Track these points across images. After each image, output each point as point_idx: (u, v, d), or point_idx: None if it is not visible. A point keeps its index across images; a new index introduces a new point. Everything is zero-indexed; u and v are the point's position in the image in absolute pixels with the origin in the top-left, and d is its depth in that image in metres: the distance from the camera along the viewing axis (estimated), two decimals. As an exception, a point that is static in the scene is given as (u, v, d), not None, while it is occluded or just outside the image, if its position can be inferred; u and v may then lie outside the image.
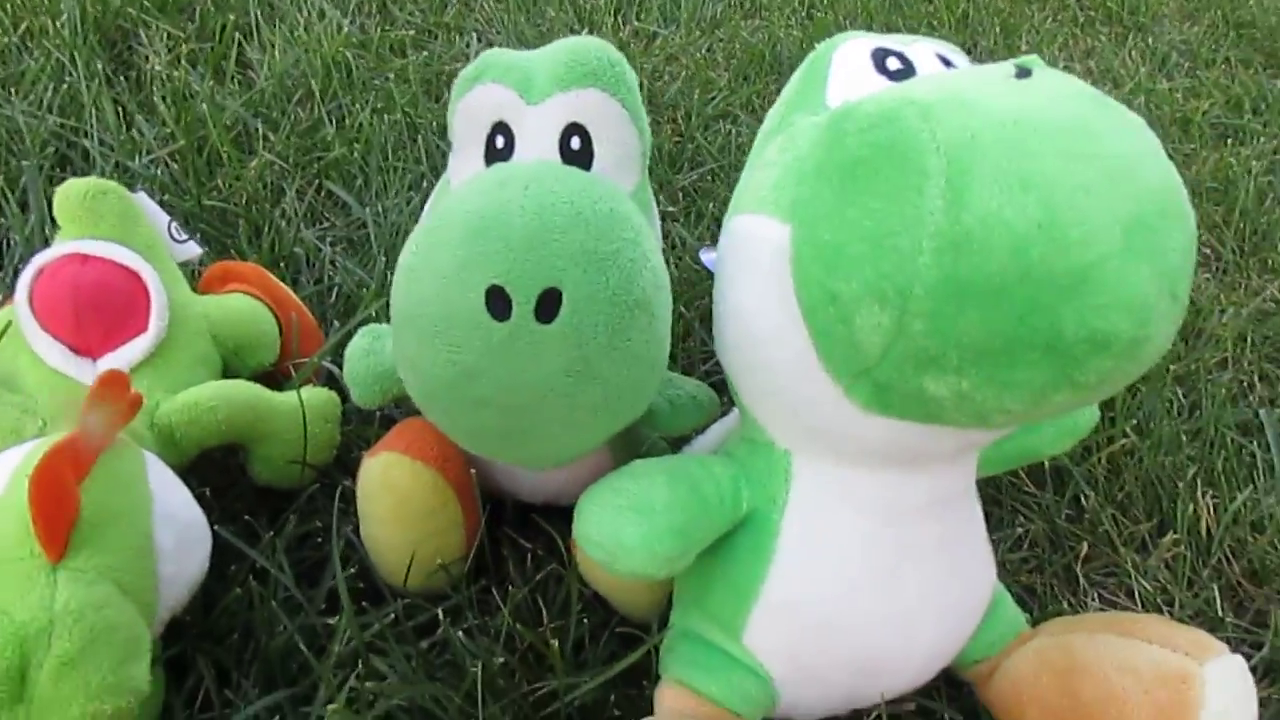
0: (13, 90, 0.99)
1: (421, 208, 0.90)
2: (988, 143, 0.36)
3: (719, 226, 0.88)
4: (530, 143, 0.52)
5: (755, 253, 0.44)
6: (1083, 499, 0.72)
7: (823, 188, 0.40)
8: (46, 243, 0.82)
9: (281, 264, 0.83)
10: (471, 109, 0.54)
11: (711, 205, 0.92)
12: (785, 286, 0.42)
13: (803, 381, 0.43)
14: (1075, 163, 0.35)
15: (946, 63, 0.49)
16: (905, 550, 0.49)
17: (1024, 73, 0.40)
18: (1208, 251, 1.02)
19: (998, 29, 1.34)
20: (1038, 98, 0.37)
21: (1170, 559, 0.70)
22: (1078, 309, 0.35)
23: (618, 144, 0.53)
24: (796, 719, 0.53)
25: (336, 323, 0.77)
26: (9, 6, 1.12)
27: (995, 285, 0.35)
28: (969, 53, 1.31)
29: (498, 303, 0.42)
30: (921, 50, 0.49)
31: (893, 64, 0.48)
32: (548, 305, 0.43)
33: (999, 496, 0.72)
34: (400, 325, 0.46)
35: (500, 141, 0.53)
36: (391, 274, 0.81)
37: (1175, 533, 0.70)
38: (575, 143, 0.52)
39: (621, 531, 0.46)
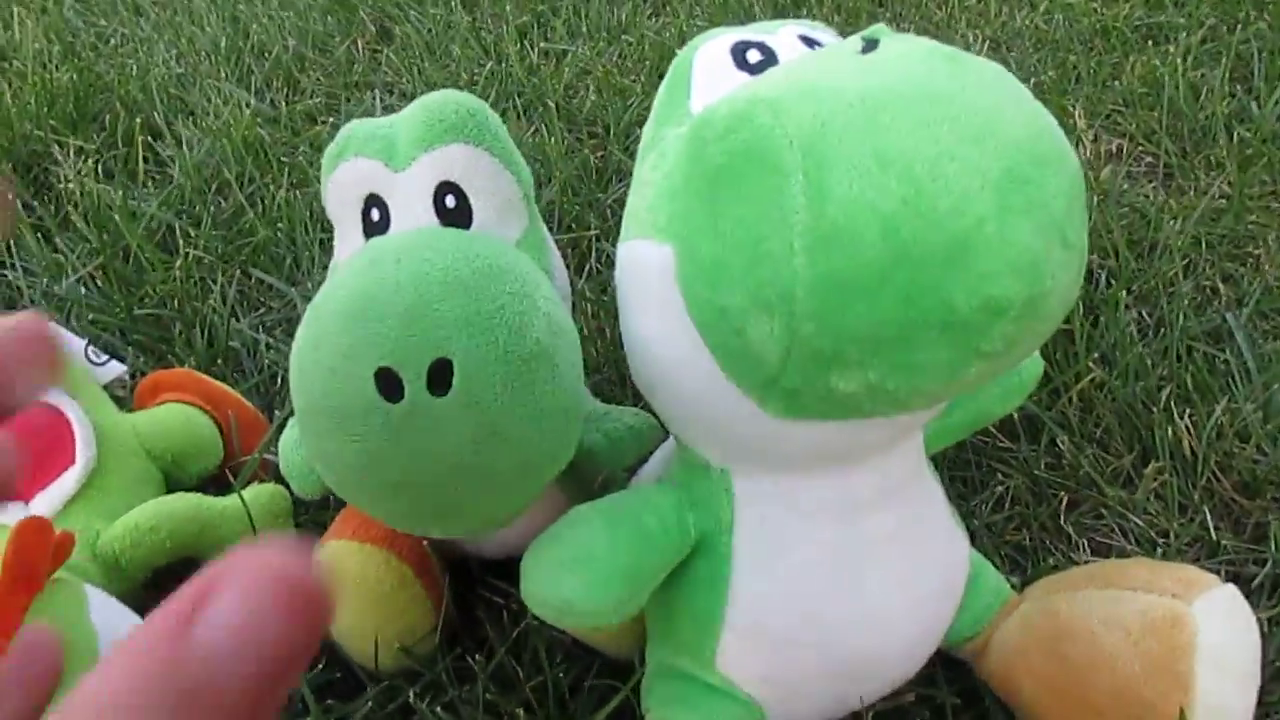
0: (-70, 236, 0.98)
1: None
2: (839, 128, 0.34)
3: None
4: (404, 210, 0.51)
5: (645, 278, 0.43)
6: (1059, 443, 0.70)
7: (692, 201, 0.38)
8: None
9: (220, 360, 0.82)
10: (341, 186, 0.53)
11: (639, 216, 0.90)
12: (678, 307, 0.40)
13: (719, 400, 0.42)
14: (931, 129, 0.34)
15: (811, 43, 0.47)
16: (863, 548, 0.47)
17: (870, 45, 0.38)
18: (1150, 159, 1.00)
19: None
20: (885, 71, 0.36)
21: (1158, 488, 0.68)
22: (964, 280, 0.33)
23: (494, 193, 0.52)
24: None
25: (280, 411, 0.76)
26: (-83, 152, 1.11)
27: (874, 273, 0.34)
28: (881, 9, 1.29)
29: (389, 384, 0.41)
30: (783, 36, 0.47)
31: (753, 57, 0.46)
32: (440, 377, 0.41)
33: (972, 457, 0.70)
34: (302, 421, 0.44)
35: (375, 214, 0.52)
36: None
37: (1158, 460, 0.69)
38: (450, 201, 0.51)
39: (564, 585, 0.44)
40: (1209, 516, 0.65)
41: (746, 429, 0.42)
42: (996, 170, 0.33)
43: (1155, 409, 0.71)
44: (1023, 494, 0.68)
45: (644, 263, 0.42)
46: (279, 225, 0.96)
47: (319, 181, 1.00)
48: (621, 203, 0.95)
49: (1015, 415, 0.72)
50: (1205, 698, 0.46)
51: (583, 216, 0.93)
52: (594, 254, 0.89)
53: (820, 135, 0.34)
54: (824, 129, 0.34)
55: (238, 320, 0.86)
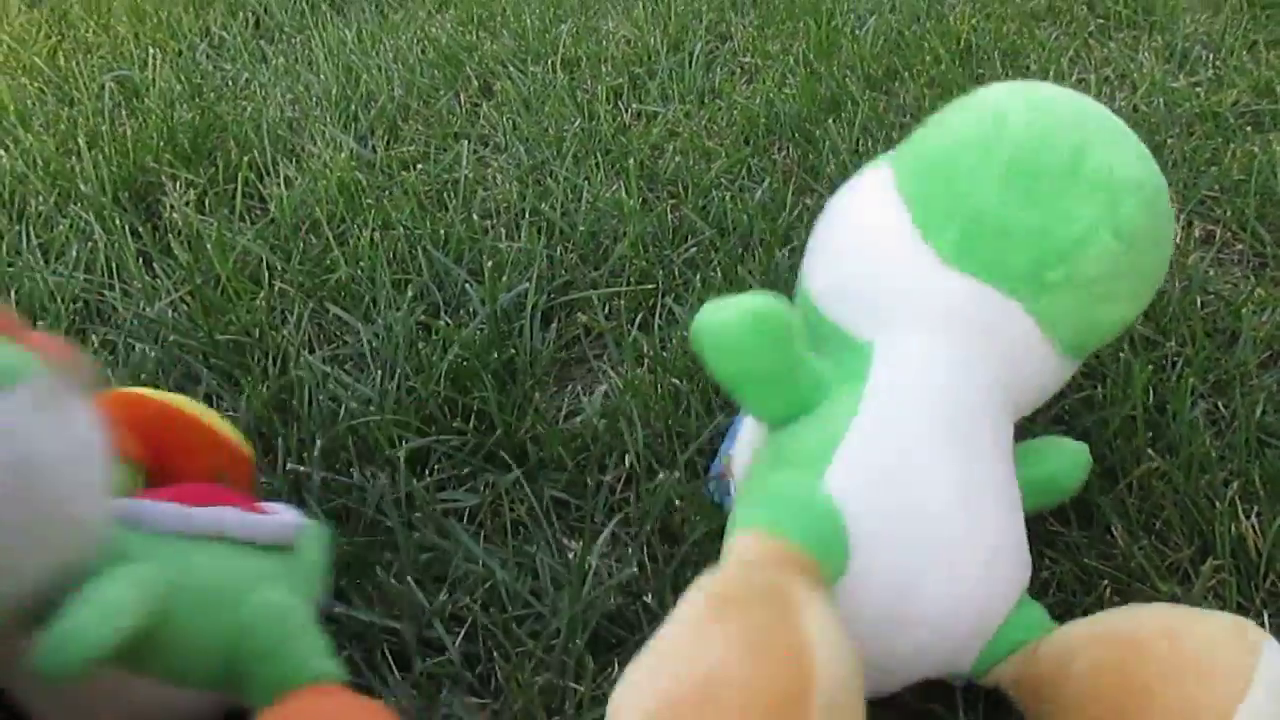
0: (46, 255, 1.05)
1: (429, 318, 0.92)
2: None
3: (715, 295, 0.87)
4: None
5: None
6: (1113, 531, 0.68)
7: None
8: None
9: (285, 392, 0.85)
10: None
11: (699, 276, 0.91)
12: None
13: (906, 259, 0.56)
14: None
15: None
16: (968, 441, 0.54)
17: None
18: (1241, 248, 0.97)
19: (999, 57, 1.32)
20: None
21: (1216, 586, 0.65)
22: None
23: None
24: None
25: (338, 441, 0.78)
26: (45, 175, 1.19)
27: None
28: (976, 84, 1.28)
29: None
30: None
31: None
32: None
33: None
34: None
35: None
36: (390, 387, 0.82)
37: (1218, 558, 0.65)
38: None
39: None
40: (1268, 622, 0.62)
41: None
42: None
43: (1220, 504, 0.68)
44: (1069, 581, 0.65)
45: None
46: (361, 264, 0.99)
47: (403, 225, 1.04)
48: (690, 262, 0.96)
49: (1069, 500, 0.69)
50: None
51: (650, 272, 0.94)
52: (658, 310, 0.90)
53: None
54: None
55: (310, 352, 0.90)
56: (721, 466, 0.72)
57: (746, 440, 0.65)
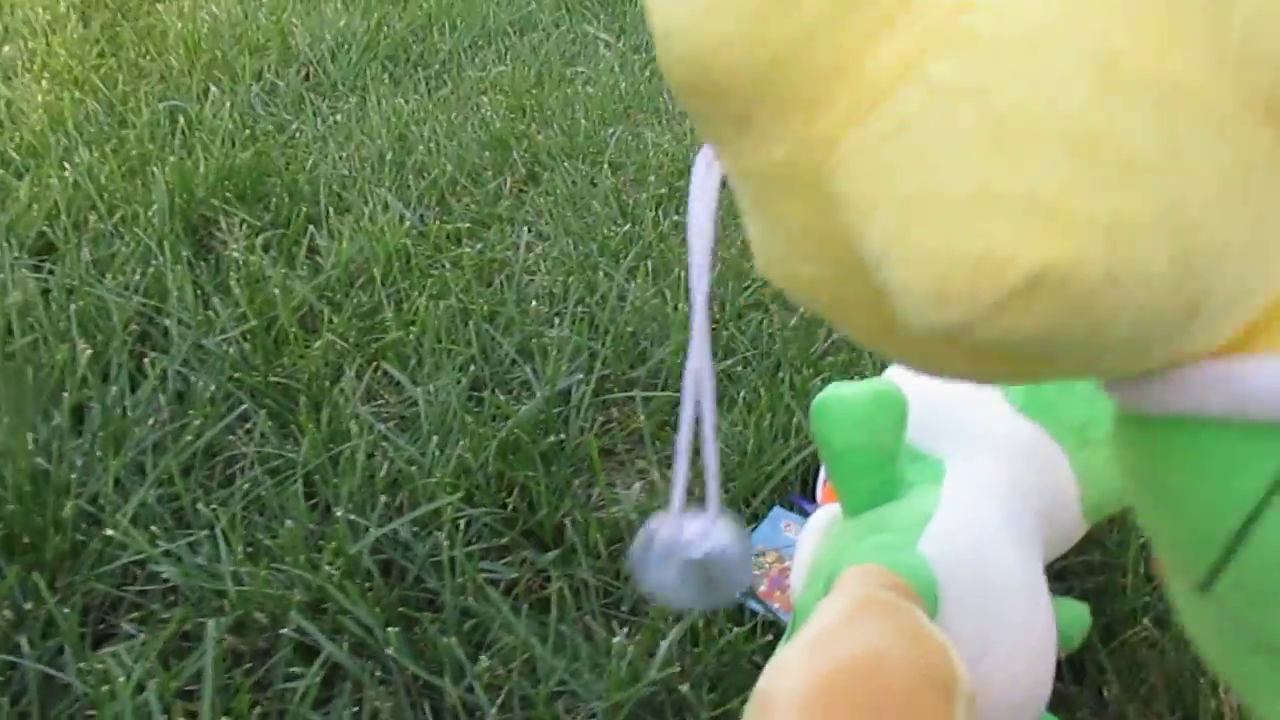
0: (104, 272, 1.08)
1: (470, 389, 0.97)
2: None
3: (749, 410, 0.93)
4: None
5: None
6: (1105, 692, 0.73)
7: None
8: (124, 414, 0.89)
9: (331, 441, 0.88)
10: None
11: (742, 393, 0.97)
12: None
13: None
14: None
15: None
16: (1028, 547, 0.60)
17: None
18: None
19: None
20: None
21: (1195, 755, 0.70)
22: None
23: None
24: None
25: (385, 497, 0.82)
26: (105, 195, 1.23)
27: None
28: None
29: None
30: None
31: None
32: None
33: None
34: None
35: None
36: (441, 452, 0.86)
37: (1197, 728, 0.71)
38: None
39: None
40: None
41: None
42: None
43: (1202, 680, 0.74)
44: (1063, 732, 0.71)
45: None
46: (411, 328, 1.04)
47: (457, 297, 1.09)
48: (729, 375, 1.02)
49: (1066, 658, 0.75)
50: None
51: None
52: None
53: None
54: None
55: (359, 406, 0.94)
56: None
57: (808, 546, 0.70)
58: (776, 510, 0.86)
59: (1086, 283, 0.27)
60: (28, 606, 0.71)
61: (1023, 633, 0.60)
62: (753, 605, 0.77)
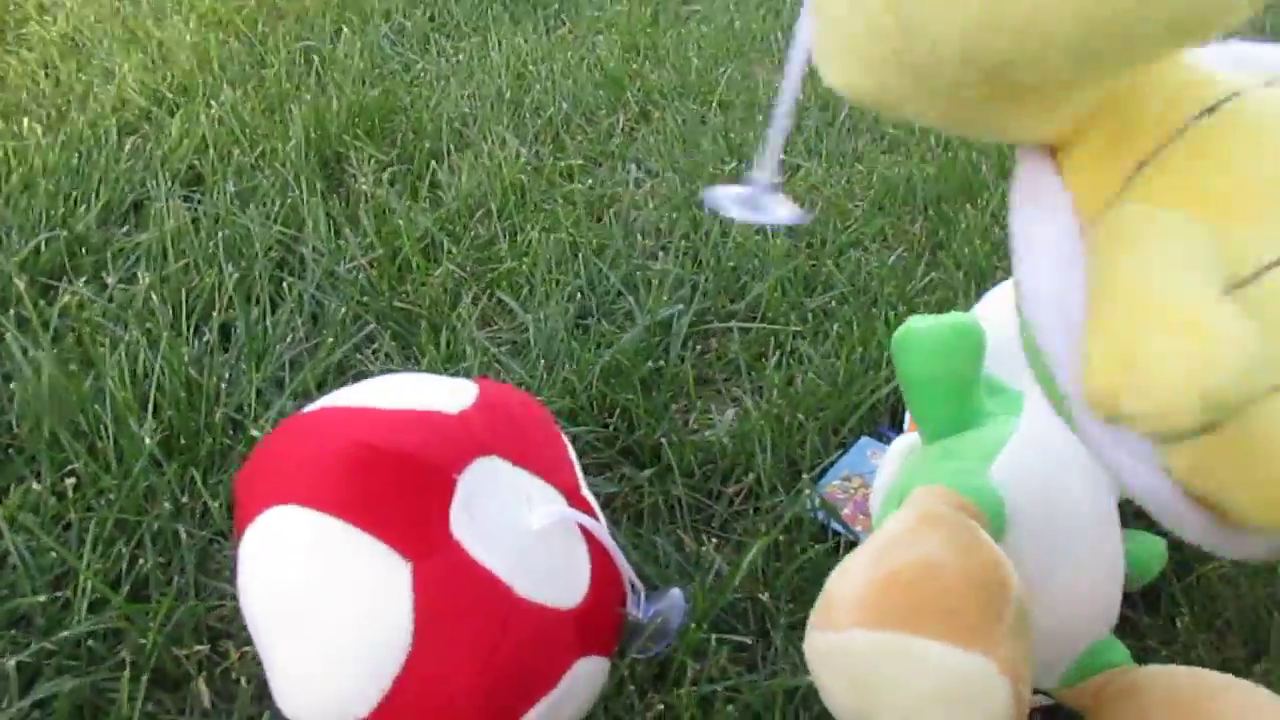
0: (247, 203, 1.18)
1: (577, 317, 1.03)
2: None
3: (842, 343, 0.97)
4: None
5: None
6: (1176, 622, 0.76)
7: None
8: (265, 333, 0.98)
9: (447, 361, 0.96)
10: None
11: (836, 326, 1.00)
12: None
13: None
14: None
15: None
16: (1097, 484, 0.63)
17: None
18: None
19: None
20: None
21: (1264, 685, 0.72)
22: None
23: None
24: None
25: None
26: (248, 130, 1.32)
27: None
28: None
29: None
30: None
31: None
32: None
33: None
34: None
35: None
36: (549, 374, 0.93)
37: (1268, 662, 0.73)
38: None
39: None
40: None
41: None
42: None
43: (1276, 614, 0.76)
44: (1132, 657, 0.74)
45: None
46: (525, 259, 1.10)
47: (568, 231, 1.14)
48: (825, 312, 1.05)
49: (1141, 590, 0.77)
50: None
51: (786, 314, 1.04)
52: (789, 349, 1.00)
53: None
54: None
55: (475, 331, 1.01)
56: (825, 491, 0.82)
57: (887, 470, 0.74)
58: (864, 440, 0.90)
59: None
60: (184, 500, 0.81)
61: (1088, 561, 0.63)
62: (835, 527, 0.81)
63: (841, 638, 0.49)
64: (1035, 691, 0.67)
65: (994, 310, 0.74)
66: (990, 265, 1.12)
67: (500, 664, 0.55)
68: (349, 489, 0.55)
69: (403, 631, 0.54)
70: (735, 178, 1.29)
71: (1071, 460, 0.64)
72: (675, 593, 0.70)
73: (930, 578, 0.49)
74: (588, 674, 0.60)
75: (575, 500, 0.65)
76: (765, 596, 0.74)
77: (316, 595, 0.54)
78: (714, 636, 0.69)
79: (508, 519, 0.59)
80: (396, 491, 0.56)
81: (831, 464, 0.87)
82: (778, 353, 0.98)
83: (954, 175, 1.32)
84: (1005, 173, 1.37)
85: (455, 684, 0.54)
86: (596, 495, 0.84)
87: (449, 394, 0.64)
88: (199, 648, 0.70)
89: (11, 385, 0.88)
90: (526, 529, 0.60)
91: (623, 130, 1.44)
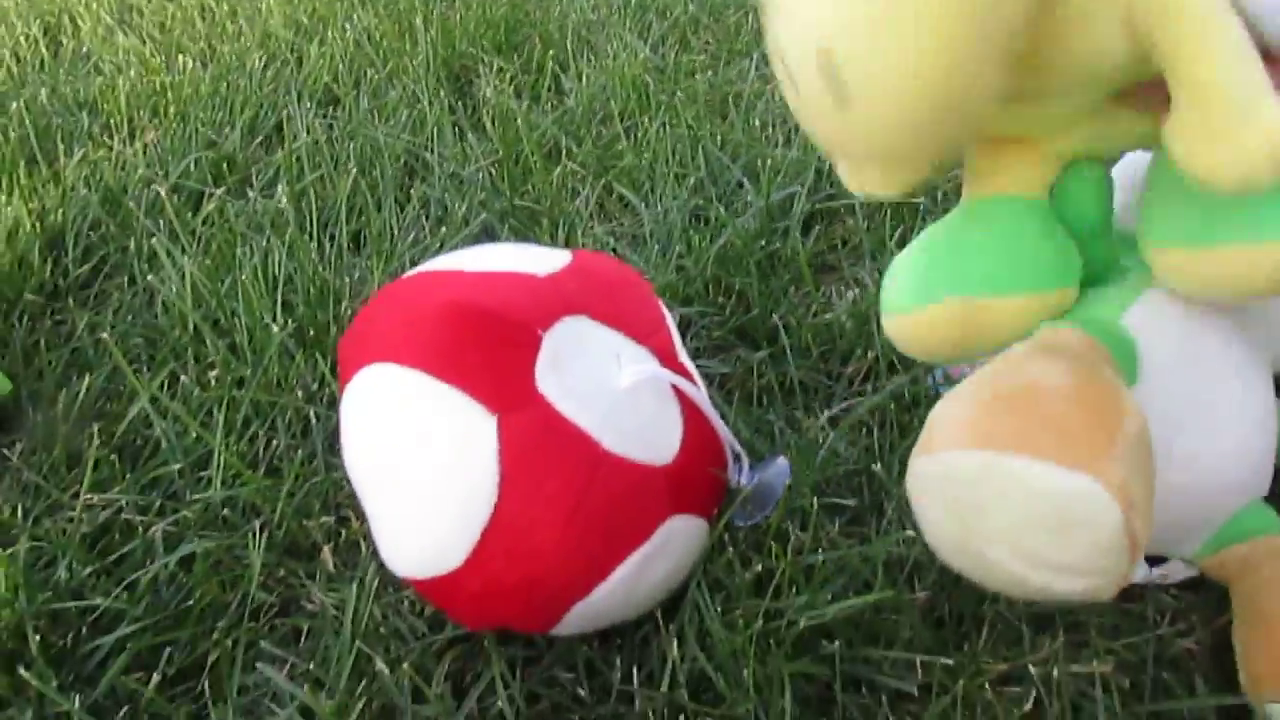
0: (377, 116, 1.21)
1: (696, 209, 1.01)
2: None
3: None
4: None
5: None
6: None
7: None
8: (392, 235, 1.01)
9: (573, 253, 0.96)
10: None
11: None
12: None
13: None
14: None
15: None
16: (1249, 348, 0.58)
17: None
18: None
19: None
20: None
21: None
22: None
23: None
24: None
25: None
26: (381, 51, 1.36)
27: None
28: None
29: None
30: None
31: None
32: None
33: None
34: None
35: None
36: (663, 257, 0.91)
37: None
38: None
39: None
40: None
41: None
42: None
43: None
44: None
45: None
46: (645, 155, 1.09)
47: (688, 124, 1.12)
48: (957, 190, 1.00)
49: None
50: None
51: (914, 195, 0.99)
52: (915, 229, 0.95)
53: None
54: None
55: (594, 226, 1.00)
56: (947, 368, 0.78)
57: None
58: None
59: None
60: (314, 387, 0.84)
61: (1231, 417, 0.57)
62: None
63: (940, 460, 0.46)
64: (1175, 560, 0.63)
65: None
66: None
67: (587, 515, 0.55)
68: (434, 345, 0.56)
69: (490, 482, 0.54)
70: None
71: (1215, 314, 0.59)
72: (781, 461, 0.69)
73: (1038, 398, 0.45)
74: (683, 532, 0.60)
75: (670, 363, 0.64)
76: (878, 468, 0.71)
77: (406, 449, 0.55)
78: (818, 502, 0.67)
79: (596, 376, 0.59)
80: (481, 347, 0.56)
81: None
82: (899, 229, 0.94)
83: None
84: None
85: (542, 534, 0.54)
86: (710, 376, 0.83)
87: (541, 259, 0.64)
88: (325, 519, 0.73)
89: (160, 289, 0.93)
90: (615, 386, 0.59)
91: (751, 28, 1.40)
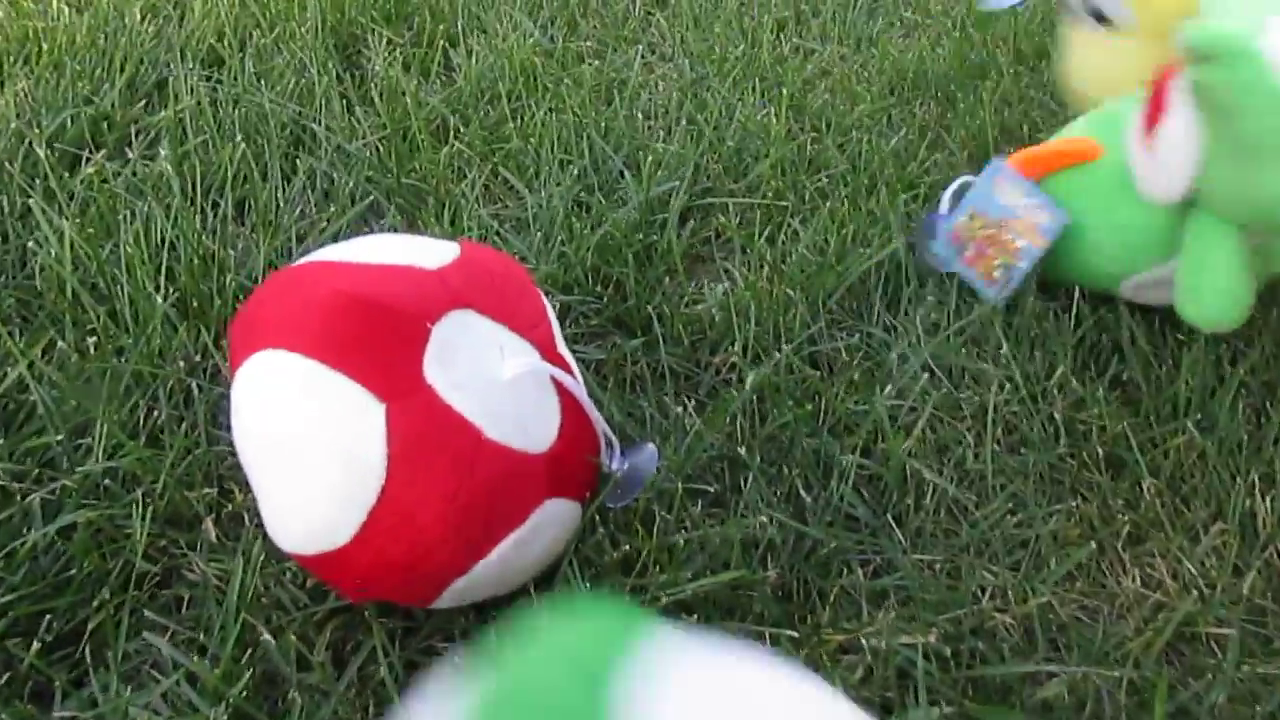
0: (263, 83, 1.20)
1: (578, 197, 1.05)
2: None
3: (835, 223, 0.98)
4: None
5: None
6: (1141, 485, 0.78)
7: None
8: (278, 206, 1.01)
9: (452, 237, 0.99)
10: None
11: (828, 204, 1.02)
12: None
13: None
14: None
15: None
16: None
17: None
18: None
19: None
20: None
21: (1219, 546, 0.75)
22: None
23: None
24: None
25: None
26: (268, 13, 1.34)
27: None
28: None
29: None
30: None
31: None
32: None
33: (1059, 476, 0.79)
34: None
35: None
36: (545, 244, 0.95)
37: (1225, 523, 0.75)
38: None
39: None
40: (1257, 581, 0.72)
41: None
42: None
43: (1241, 481, 0.78)
44: (1091, 516, 0.76)
45: None
46: (531, 139, 1.12)
47: (573, 111, 1.16)
48: (821, 192, 1.06)
49: (1100, 451, 0.80)
50: None
51: (784, 193, 1.05)
52: (784, 227, 1.02)
53: None
54: None
55: (479, 209, 1.03)
56: (952, 228, 0.88)
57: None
58: (991, 167, 0.93)
59: None
60: (197, 359, 0.85)
61: None
62: (957, 268, 0.90)
63: None
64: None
65: None
66: (995, 150, 1.12)
67: (468, 499, 0.59)
68: (327, 334, 0.59)
69: (377, 466, 0.58)
70: (747, 62, 1.29)
71: None
72: (649, 446, 0.74)
73: None
74: (556, 515, 0.65)
75: (550, 355, 0.68)
76: (741, 451, 0.77)
77: (298, 433, 0.58)
78: (683, 486, 0.73)
79: (480, 368, 0.63)
80: (372, 337, 0.59)
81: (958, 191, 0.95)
82: (768, 227, 1.00)
83: (965, 57, 1.30)
84: (1020, 58, 1.35)
85: (426, 516, 0.58)
86: (586, 362, 0.87)
87: (430, 251, 0.67)
88: (207, 490, 0.75)
89: (37, 252, 0.92)
90: (497, 378, 0.63)
91: (639, 13, 1.44)
